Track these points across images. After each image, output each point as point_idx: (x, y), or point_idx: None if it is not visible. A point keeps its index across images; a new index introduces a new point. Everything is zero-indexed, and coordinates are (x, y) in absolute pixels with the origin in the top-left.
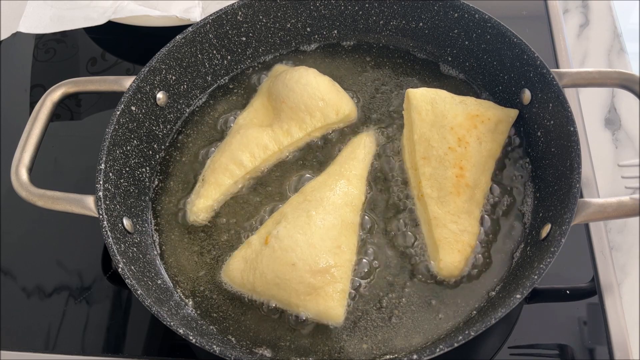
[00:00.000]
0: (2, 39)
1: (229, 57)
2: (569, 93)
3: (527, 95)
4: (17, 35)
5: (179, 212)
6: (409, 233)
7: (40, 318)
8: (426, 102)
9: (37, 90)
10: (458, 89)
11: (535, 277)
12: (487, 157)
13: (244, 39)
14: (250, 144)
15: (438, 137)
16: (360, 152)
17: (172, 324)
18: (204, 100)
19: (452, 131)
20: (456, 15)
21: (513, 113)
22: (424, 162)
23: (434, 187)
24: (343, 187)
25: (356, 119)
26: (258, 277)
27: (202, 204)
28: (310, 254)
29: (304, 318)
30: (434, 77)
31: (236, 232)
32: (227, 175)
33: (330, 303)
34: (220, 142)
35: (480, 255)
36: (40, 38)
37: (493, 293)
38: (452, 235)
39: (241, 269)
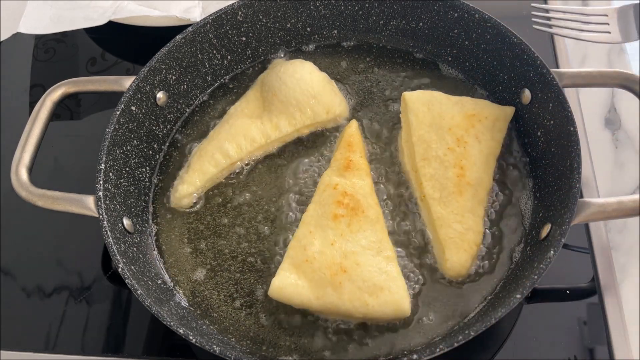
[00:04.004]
0: (2, 39)
1: (229, 57)
2: (569, 93)
3: (527, 95)
4: (17, 35)
5: (178, 212)
6: (407, 230)
7: (40, 318)
8: (423, 104)
9: (37, 90)
10: (458, 89)
11: (535, 277)
12: (487, 155)
13: (244, 39)
14: (238, 134)
15: (437, 138)
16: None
17: (172, 324)
18: (204, 100)
19: (450, 131)
20: (456, 15)
21: (509, 110)
22: (424, 164)
23: (436, 187)
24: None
25: (347, 120)
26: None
27: (184, 190)
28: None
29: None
30: (433, 77)
31: (236, 232)
32: (212, 164)
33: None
34: None
35: (480, 255)
36: (40, 38)
37: (493, 294)
38: (458, 235)
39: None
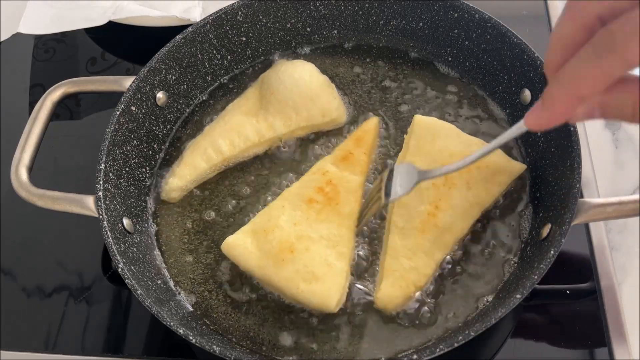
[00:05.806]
0: (2, 39)
1: (229, 57)
2: None
3: (527, 95)
4: (17, 35)
5: (179, 212)
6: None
7: (40, 318)
8: (429, 132)
9: (36, 90)
10: (457, 89)
11: (535, 277)
12: (472, 204)
13: (244, 39)
14: (232, 131)
15: (426, 168)
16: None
17: (172, 324)
18: (204, 100)
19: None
20: (456, 15)
21: (518, 167)
22: None
23: (403, 217)
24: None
25: (344, 124)
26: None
27: (175, 184)
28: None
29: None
30: (433, 78)
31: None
32: (204, 159)
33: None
34: None
35: (480, 256)
36: (39, 38)
37: (492, 294)
38: (400, 270)
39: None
